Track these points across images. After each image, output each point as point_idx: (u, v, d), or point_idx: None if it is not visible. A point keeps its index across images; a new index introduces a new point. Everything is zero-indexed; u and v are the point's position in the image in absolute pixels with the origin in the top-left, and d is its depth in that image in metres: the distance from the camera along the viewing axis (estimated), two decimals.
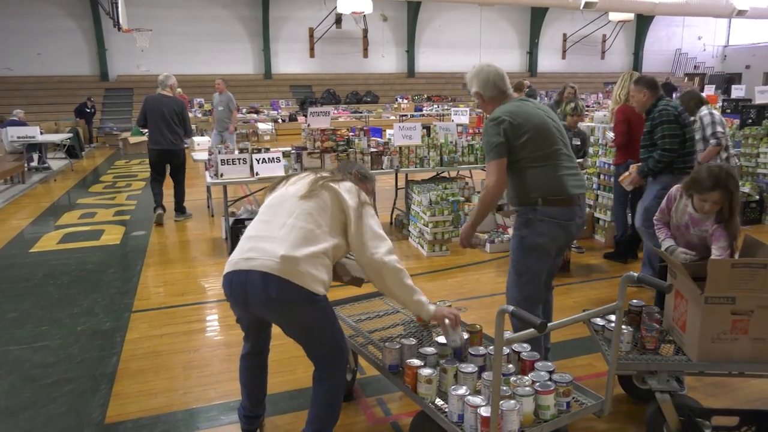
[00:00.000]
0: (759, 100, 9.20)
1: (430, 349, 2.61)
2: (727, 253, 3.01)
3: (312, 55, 24.37)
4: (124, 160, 14.10)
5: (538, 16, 26.71)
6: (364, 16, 22.07)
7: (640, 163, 4.60)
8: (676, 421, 2.62)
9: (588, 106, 16.40)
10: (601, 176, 6.24)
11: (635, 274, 2.41)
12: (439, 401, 2.37)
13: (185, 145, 7.79)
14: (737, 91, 13.58)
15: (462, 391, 2.24)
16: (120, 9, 15.72)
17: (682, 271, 2.74)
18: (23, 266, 5.76)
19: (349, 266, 2.84)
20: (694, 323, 2.65)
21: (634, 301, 3.08)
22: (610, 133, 5.93)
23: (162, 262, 5.86)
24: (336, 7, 20.43)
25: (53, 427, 3.03)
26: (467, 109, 9.13)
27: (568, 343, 3.90)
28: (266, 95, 22.20)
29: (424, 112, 20.46)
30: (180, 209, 7.67)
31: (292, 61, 23.89)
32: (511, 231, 4.90)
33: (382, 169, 6.39)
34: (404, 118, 18.74)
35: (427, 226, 5.89)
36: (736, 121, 8.10)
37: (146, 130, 7.42)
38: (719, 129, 5.30)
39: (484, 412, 2.10)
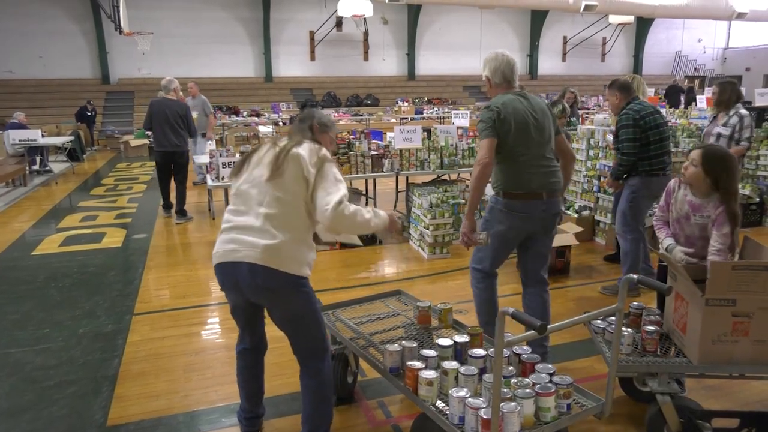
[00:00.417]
0: (759, 102, 9.21)
1: (431, 352, 2.61)
2: (727, 242, 2.96)
3: (313, 58, 24.39)
4: (126, 163, 14.12)
5: (538, 18, 26.73)
6: (365, 19, 22.08)
7: None
8: (676, 423, 2.62)
9: (588, 109, 16.41)
10: (602, 179, 6.25)
11: (635, 277, 2.42)
12: (439, 403, 2.37)
13: (188, 148, 7.95)
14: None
15: (463, 393, 2.24)
16: (121, 12, 15.75)
17: (682, 273, 2.75)
18: (25, 269, 5.77)
19: (319, 231, 2.80)
20: (695, 325, 2.65)
21: (635, 303, 3.08)
22: (609, 136, 5.95)
23: (163, 264, 5.87)
24: (337, 10, 20.43)
25: (55, 429, 3.04)
26: (467, 111, 9.15)
27: (569, 345, 3.90)
28: (267, 98, 22.22)
29: (424, 114, 20.47)
30: (181, 212, 7.74)
31: (292, 63, 23.91)
32: None
33: (383, 171, 6.40)
34: (405, 120, 18.76)
35: (428, 229, 5.90)
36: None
37: (150, 133, 7.80)
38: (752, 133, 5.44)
39: (485, 414, 2.10)
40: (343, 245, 6.15)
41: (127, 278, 5.47)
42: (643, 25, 27.90)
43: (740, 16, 20.33)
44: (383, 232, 2.69)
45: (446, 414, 2.29)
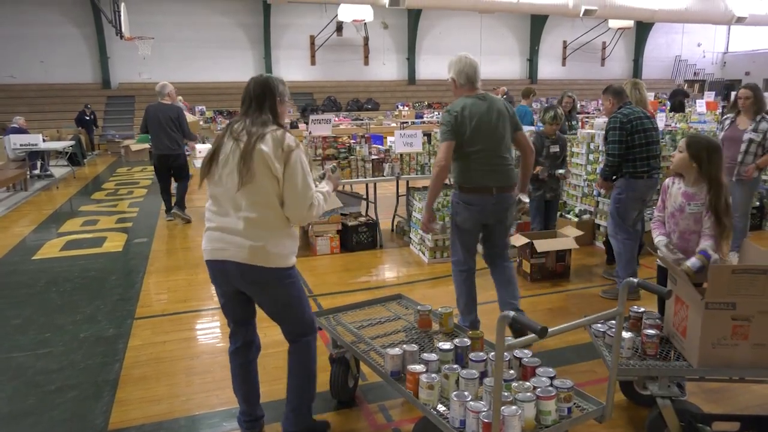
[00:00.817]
0: None
1: (432, 355, 2.62)
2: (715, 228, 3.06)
3: (313, 63, 24.46)
4: (126, 168, 14.14)
5: (538, 23, 26.81)
6: (365, 23, 22.17)
7: None
8: (677, 426, 2.63)
9: (588, 113, 16.43)
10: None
11: (635, 280, 2.43)
12: (440, 407, 2.38)
13: (186, 150, 8.12)
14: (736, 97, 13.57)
15: (464, 396, 2.25)
16: (122, 17, 15.81)
17: (682, 276, 2.76)
18: (26, 273, 5.78)
19: None
20: (695, 329, 2.66)
21: (635, 306, 3.09)
22: (598, 140, 6.00)
23: (164, 269, 5.88)
24: (337, 15, 20.53)
25: None
26: None
27: (569, 348, 3.91)
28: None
29: (424, 119, 20.50)
30: (180, 204, 7.95)
31: (293, 68, 23.97)
32: (516, 239, 5.09)
33: (383, 176, 6.41)
34: (405, 125, 18.79)
35: (429, 235, 5.91)
36: None
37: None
38: None
39: (486, 417, 2.11)
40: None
41: (128, 282, 5.47)
42: (642, 29, 27.98)
43: (739, 20, 20.38)
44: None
45: (447, 418, 2.29)
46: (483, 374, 2.46)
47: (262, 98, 2.64)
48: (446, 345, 2.66)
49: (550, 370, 2.48)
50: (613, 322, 2.90)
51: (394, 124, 19.23)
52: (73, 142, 13.71)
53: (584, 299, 4.88)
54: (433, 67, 25.69)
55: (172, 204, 8.02)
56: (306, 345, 2.80)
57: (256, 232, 2.54)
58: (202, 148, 8.42)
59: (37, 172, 12.28)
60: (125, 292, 5.22)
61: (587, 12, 18.51)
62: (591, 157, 6.47)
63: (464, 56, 3.72)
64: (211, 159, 2.65)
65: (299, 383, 2.81)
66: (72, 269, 5.86)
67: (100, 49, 21.39)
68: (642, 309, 3.06)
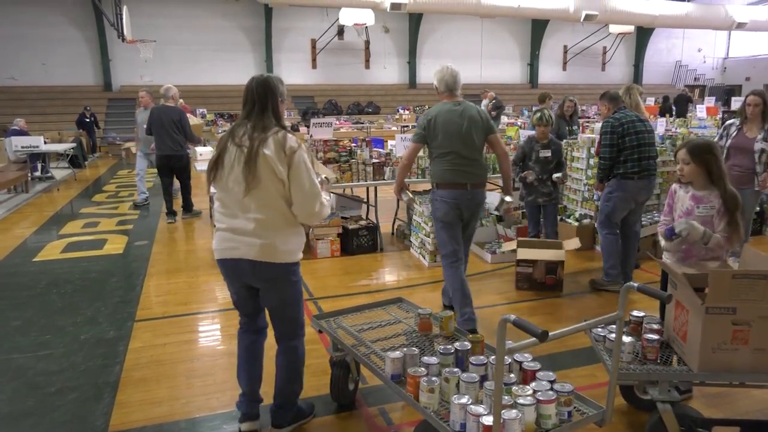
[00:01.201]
0: None
1: (433, 359, 2.62)
2: (728, 231, 3.08)
3: (314, 66, 24.49)
4: (127, 170, 14.13)
5: (538, 27, 26.86)
6: (366, 27, 22.21)
7: None
8: (677, 431, 2.63)
9: (588, 118, 16.45)
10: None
11: (635, 284, 2.43)
12: (441, 410, 2.38)
13: (188, 151, 8.24)
14: (737, 103, 13.63)
15: (464, 400, 2.25)
16: (124, 19, 15.83)
17: (682, 281, 2.76)
18: (26, 275, 5.78)
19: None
20: (695, 333, 2.66)
21: (635, 311, 3.10)
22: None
23: (165, 271, 5.89)
24: (338, 19, 20.57)
25: None
26: None
27: (570, 353, 3.91)
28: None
29: None
30: (187, 208, 8.29)
31: (294, 71, 24.01)
32: (509, 244, 5.10)
33: (384, 179, 6.42)
34: (406, 128, 18.81)
35: (429, 237, 5.91)
36: None
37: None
38: None
39: (486, 421, 2.11)
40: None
41: (129, 285, 5.48)
42: (643, 34, 28.02)
43: (740, 26, 20.44)
44: None
45: (447, 421, 2.30)
46: (483, 378, 2.46)
47: (264, 99, 2.69)
48: (447, 348, 2.66)
49: (551, 374, 2.48)
50: (614, 326, 2.91)
51: (394, 128, 19.26)
52: (74, 145, 13.72)
53: (584, 303, 4.88)
54: (434, 71, 25.72)
55: (179, 208, 8.29)
56: (293, 349, 2.94)
57: (265, 231, 2.67)
58: (203, 151, 8.43)
59: (38, 174, 12.29)
60: (126, 294, 5.23)
61: (588, 17, 18.56)
62: (591, 161, 6.48)
63: (446, 66, 4.15)
64: (216, 164, 2.73)
65: (286, 383, 2.95)
66: (73, 271, 5.87)
67: (102, 52, 21.42)
68: (642, 313, 3.07)
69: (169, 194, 8.13)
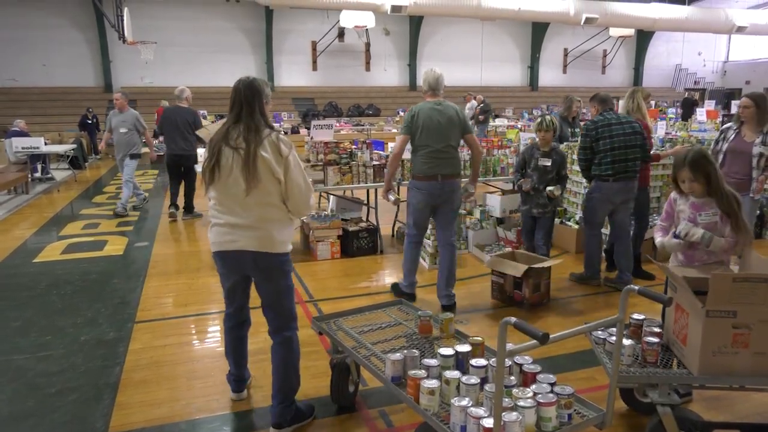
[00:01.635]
0: None
1: (433, 361, 2.62)
2: (734, 235, 3.07)
3: (315, 68, 24.53)
4: None
5: (539, 30, 26.89)
6: (367, 29, 22.25)
7: None
8: None
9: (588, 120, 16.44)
10: None
11: (636, 287, 2.44)
12: (441, 412, 2.38)
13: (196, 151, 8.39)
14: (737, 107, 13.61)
15: (464, 402, 2.25)
16: (125, 21, 15.85)
17: (682, 284, 2.77)
18: (27, 276, 5.78)
19: None
20: (695, 337, 2.67)
21: (635, 314, 3.10)
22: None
23: (165, 272, 5.89)
24: (339, 21, 20.60)
25: None
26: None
27: (570, 356, 3.91)
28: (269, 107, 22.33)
29: None
30: (188, 209, 8.40)
31: (294, 73, 24.04)
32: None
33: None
34: None
35: (429, 239, 5.92)
36: None
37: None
38: None
39: (487, 423, 2.12)
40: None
41: (129, 286, 5.48)
42: (643, 37, 28.06)
43: (740, 29, 20.45)
44: None
45: (448, 423, 2.30)
46: (484, 380, 2.47)
47: (252, 101, 2.85)
48: (447, 351, 2.66)
49: (551, 376, 2.48)
50: (614, 329, 2.91)
51: (395, 130, 19.26)
52: (74, 146, 13.73)
53: (584, 305, 4.88)
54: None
55: (181, 208, 8.41)
56: (288, 341, 3.04)
57: (263, 224, 2.86)
58: (202, 152, 8.50)
59: (38, 175, 12.30)
60: (126, 295, 5.23)
61: (588, 20, 18.59)
62: None
63: (431, 69, 4.67)
64: (214, 167, 2.85)
65: (284, 380, 3.03)
66: (73, 272, 5.87)
67: (103, 53, 21.45)
68: (642, 316, 3.07)
69: (176, 187, 8.37)
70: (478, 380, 2.42)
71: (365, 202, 7.09)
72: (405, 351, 2.74)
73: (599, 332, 3.04)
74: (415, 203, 4.68)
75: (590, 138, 4.98)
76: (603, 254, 5.53)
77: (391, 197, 4.96)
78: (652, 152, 5.31)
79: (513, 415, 2.14)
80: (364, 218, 7.01)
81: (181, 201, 8.47)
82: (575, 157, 6.65)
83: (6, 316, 4.73)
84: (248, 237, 2.85)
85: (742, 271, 3.04)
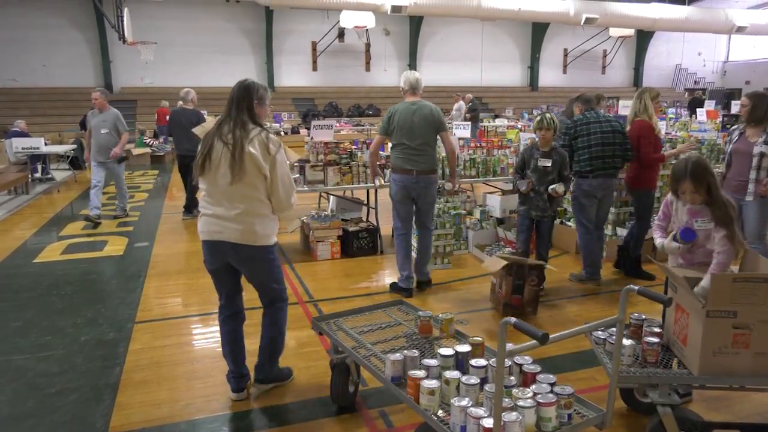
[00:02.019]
0: None
1: (433, 361, 2.62)
2: (728, 244, 3.01)
3: (315, 68, 24.53)
4: (128, 172, 14.12)
5: (539, 31, 26.89)
6: (367, 30, 22.25)
7: None
8: None
9: None
10: None
11: (635, 287, 2.44)
12: (441, 413, 2.38)
13: None
14: (737, 107, 13.63)
15: (464, 402, 2.25)
16: (125, 21, 15.86)
17: (683, 284, 2.77)
18: (27, 276, 5.78)
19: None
20: (696, 337, 2.67)
21: (635, 314, 3.10)
22: None
23: (165, 273, 5.89)
24: (339, 21, 20.61)
25: None
26: (468, 123, 9.18)
27: (570, 356, 3.91)
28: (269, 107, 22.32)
29: None
30: (188, 209, 8.40)
31: (294, 74, 24.04)
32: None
33: (385, 182, 6.42)
34: None
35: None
36: None
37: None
38: None
39: (487, 423, 2.12)
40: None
41: (129, 286, 5.48)
42: (643, 38, 28.06)
43: (740, 29, 20.45)
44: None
45: (448, 423, 2.30)
46: (483, 380, 2.47)
47: (240, 100, 3.08)
48: (447, 351, 2.66)
49: (551, 376, 2.48)
50: (614, 329, 2.91)
51: None
52: (74, 146, 13.73)
53: (584, 305, 4.88)
54: (435, 73, 25.73)
55: (183, 206, 8.57)
56: (277, 310, 3.35)
57: (246, 218, 3.05)
58: None
59: (38, 175, 12.30)
60: (126, 295, 5.23)
61: (588, 20, 18.59)
62: None
63: (409, 72, 5.04)
64: (204, 159, 3.07)
65: (270, 340, 3.35)
66: (73, 273, 5.87)
67: (103, 53, 21.46)
68: (643, 316, 3.07)
69: (190, 190, 8.43)
70: (478, 380, 2.42)
71: (365, 202, 7.09)
72: (405, 351, 2.74)
73: (599, 332, 3.04)
74: (394, 195, 5.01)
75: (569, 136, 5.19)
76: (610, 253, 5.52)
77: (377, 182, 5.89)
78: (662, 152, 5.28)
79: (513, 416, 2.14)
80: (364, 218, 7.01)
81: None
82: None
83: (6, 316, 4.73)
84: (232, 229, 3.05)
85: (742, 271, 3.03)
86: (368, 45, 24.59)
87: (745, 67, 28.53)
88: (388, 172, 5.01)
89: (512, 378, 2.52)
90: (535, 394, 2.31)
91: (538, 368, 2.58)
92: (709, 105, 13.56)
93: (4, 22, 19.96)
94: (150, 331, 4.42)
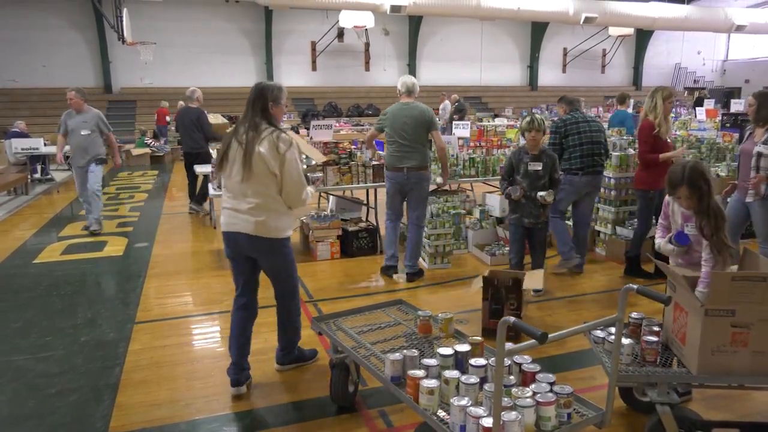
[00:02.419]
0: None
1: (432, 361, 2.63)
2: (710, 254, 3.04)
3: (314, 68, 24.51)
4: (127, 172, 14.14)
5: (538, 30, 26.88)
6: (366, 29, 22.23)
7: None
8: None
9: None
10: (602, 190, 6.26)
11: (635, 286, 2.44)
12: (441, 412, 2.39)
13: (208, 149, 8.62)
14: (736, 106, 13.66)
15: (464, 402, 2.26)
16: (124, 22, 15.85)
17: (682, 283, 2.77)
18: (27, 276, 5.79)
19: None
20: (694, 336, 2.67)
21: (634, 313, 3.10)
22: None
23: (164, 273, 5.89)
24: (338, 21, 20.59)
25: None
26: (468, 122, 9.18)
27: (569, 355, 3.91)
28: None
29: None
30: (198, 199, 8.68)
31: (294, 74, 24.02)
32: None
33: (384, 181, 6.42)
34: None
35: (429, 239, 5.92)
36: (736, 136, 8.15)
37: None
38: None
39: (486, 423, 2.12)
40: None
41: (129, 287, 5.48)
42: (642, 37, 28.05)
43: (739, 28, 20.44)
44: None
45: (447, 423, 2.30)
46: (483, 380, 2.47)
47: (255, 102, 3.29)
48: (446, 350, 2.67)
49: (550, 375, 2.49)
50: (613, 328, 2.92)
51: None
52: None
53: (584, 305, 4.88)
54: (434, 73, 25.74)
55: (192, 199, 8.79)
56: (288, 306, 3.58)
57: (259, 212, 3.25)
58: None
59: (37, 176, 12.30)
60: (126, 296, 5.23)
61: (587, 19, 18.58)
62: None
63: (406, 76, 5.39)
64: (222, 157, 3.33)
65: (284, 334, 3.63)
66: (73, 273, 5.87)
67: (102, 54, 21.43)
68: (642, 315, 3.07)
69: (192, 186, 8.64)
70: (478, 380, 2.42)
71: (365, 202, 7.09)
72: (404, 351, 2.75)
73: (598, 331, 3.04)
74: (387, 190, 5.43)
75: (560, 135, 5.37)
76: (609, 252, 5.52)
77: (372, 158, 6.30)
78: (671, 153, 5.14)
79: (512, 415, 2.14)
80: (364, 218, 7.01)
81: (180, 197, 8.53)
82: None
83: (6, 316, 4.73)
84: (246, 221, 3.26)
85: (741, 270, 3.04)
86: (367, 45, 24.57)
87: (744, 66, 28.52)
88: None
89: (512, 377, 2.52)
90: (534, 393, 2.31)
91: (538, 367, 2.58)
92: (709, 104, 13.57)
93: (4, 23, 19.94)
94: (150, 332, 4.42)
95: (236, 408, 3.31)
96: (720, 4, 22.49)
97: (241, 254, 3.40)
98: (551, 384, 2.40)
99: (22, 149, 11.50)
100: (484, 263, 6.08)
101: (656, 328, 2.93)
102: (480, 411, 2.19)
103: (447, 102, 17.11)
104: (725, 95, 23.32)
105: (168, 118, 17.99)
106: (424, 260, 6.04)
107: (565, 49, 27.93)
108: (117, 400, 3.41)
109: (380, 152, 6.83)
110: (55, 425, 3.15)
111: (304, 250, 6.59)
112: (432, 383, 2.41)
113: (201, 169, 8.13)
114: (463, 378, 2.42)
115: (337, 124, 18.69)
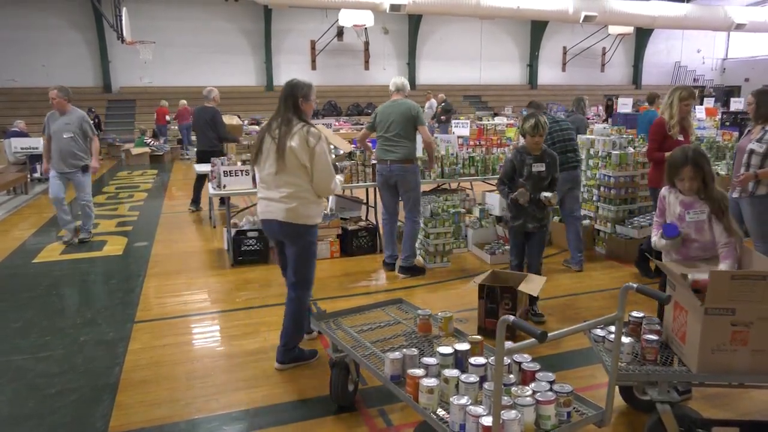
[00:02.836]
0: None
1: (432, 360, 2.62)
2: (729, 236, 3.10)
3: (314, 68, 24.49)
4: (127, 171, 14.14)
5: (538, 29, 26.86)
6: (366, 28, 22.21)
7: None
8: (676, 431, 2.63)
9: (588, 119, 16.44)
10: (602, 188, 6.27)
11: (634, 285, 2.44)
12: (440, 411, 2.39)
13: (221, 148, 8.85)
14: (736, 104, 13.65)
15: (463, 401, 2.26)
16: (124, 21, 15.84)
17: (681, 282, 2.77)
18: (26, 276, 5.78)
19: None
20: (694, 334, 2.67)
21: (634, 312, 3.10)
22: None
23: (164, 272, 5.89)
24: (338, 20, 20.58)
25: None
26: (468, 121, 9.18)
27: (569, 354, 3.91)
28: (268, 107, 22.25)
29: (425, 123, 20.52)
30: (194, 202, 8.89)
31: (293, 73, 23.63)
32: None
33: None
34: None
35: (428, 238, 5.92)
36: (735, 134, 8.14)
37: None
38: None
39: (486, 421, 2.12)
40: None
41: (128, 286, 5.48)
42: (642, 35, 28.04)
43: (739, 27, 20.45)
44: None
45: (447, 422, 2.30)
46: (483, 378, 2.47)
47: (286, 99, 3.57)
48: (446, 349, 2.66)
49: (550, 374, 2.48)
50: (613, 327, 2.92)
51: None
52: None
53: (584, 304, 4.88)
54: (434, 72, 25.73)
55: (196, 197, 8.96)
56: (299, 299, 3.71)
57: (291, 200, 3.53)
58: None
59: (37, 175, 12.28)
60: (125, 295, 5.23)
61: (587, 18, 18.58)
62: (591, 162, 6.49)
63: (397, 76, 5.64)
64: (257, 151, 3.63)
65: (288, 328, 3.72)
66: (72, 273, 5.87)
67: (102, 53, 21.41)
68: (642, 314, 3.07)
69: (200, 182, 8.74)
70: (477, 378, 2.42)
71: (364, 201, 7.09)
72: (404, 350, 2.74)
73: (598, 330, 3.04)
74: (377, 183, 5.75)
75: (549, 134, 5.39)
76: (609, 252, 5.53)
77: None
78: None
79: (512, 414, 2.14)
80: (364, 217, 7.01)
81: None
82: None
83: (6, 316, 4.73)
84: (278, 209, 3.55)
85: (741, 269, 3.04)
86: (367, 44, 24.56)
87: (744, 65, 28.51)
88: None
89: (511, 376, 2.52)
90: (534, 392, 2.31)
91: (537, 366, 2.58)
92: (708, 102, 13.56)
93: (4, 23, 19.93)
94: (149, 331, 4.42)
95: (236, 407, 3.30)
96: (719, 3, 22.48)
97: (277, 241, 3.76)
98: (551, 383, 2.40)
99: (22, 149, 11.50)
100: (483, 261, 6.08)
101: (656, 327, 2.93)
102: (480, 410, 2.19)
103: (433, 100, 17.17)
104: (725, 94, 23.33)
105: (168, 118, 17.99)
106: (423, 259, 6.04)
107: (564, 47, 27.92)
108: (117, 399, 3.40)
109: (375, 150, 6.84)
110: (55, 425, 3.15)
111: None
112: (432, 382, 2.41)
113: (201, 168, 8.12)
114: (463, 377, 2.42)
115: (337, 123, 18.68)
